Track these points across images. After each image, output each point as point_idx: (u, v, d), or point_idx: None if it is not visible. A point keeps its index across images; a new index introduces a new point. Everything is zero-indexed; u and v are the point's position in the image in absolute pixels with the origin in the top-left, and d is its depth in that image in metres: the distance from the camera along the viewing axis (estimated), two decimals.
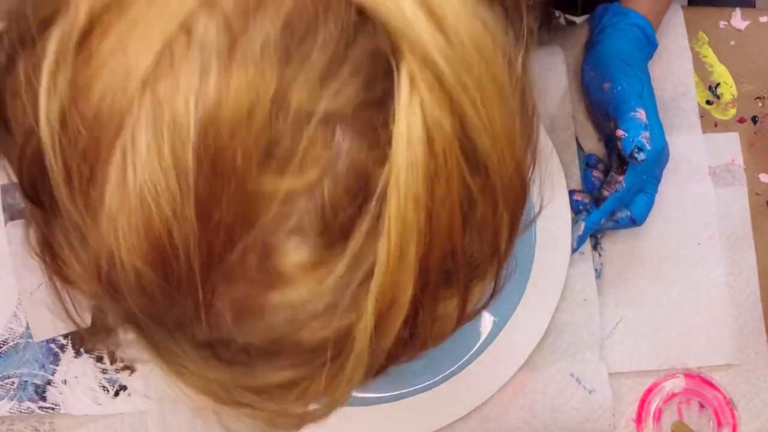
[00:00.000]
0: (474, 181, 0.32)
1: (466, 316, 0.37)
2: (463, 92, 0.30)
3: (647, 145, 0.65)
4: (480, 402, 0.65)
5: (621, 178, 0.67)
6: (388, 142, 0.31)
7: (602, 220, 0.69)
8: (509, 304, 0.67)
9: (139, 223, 0.30)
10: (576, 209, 0.71)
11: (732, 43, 0.79)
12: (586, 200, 0.71)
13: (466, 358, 0.66)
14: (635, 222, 0.69)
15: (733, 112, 0.77)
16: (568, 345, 0.68)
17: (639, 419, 0.68)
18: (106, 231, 0.31)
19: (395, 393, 0.65)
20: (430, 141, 0.30)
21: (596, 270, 0.71)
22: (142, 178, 0.30)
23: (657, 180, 0.70)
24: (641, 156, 0.65)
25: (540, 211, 0.45)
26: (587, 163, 0.74)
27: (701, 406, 0.69)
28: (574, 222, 0.69)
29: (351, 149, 0.31)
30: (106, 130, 0.30)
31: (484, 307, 0.39)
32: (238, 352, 0.35)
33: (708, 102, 0.77)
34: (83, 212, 0.32)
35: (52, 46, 0.31)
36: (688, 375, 0.68)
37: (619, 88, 0.67)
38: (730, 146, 0.76)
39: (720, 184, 0.75)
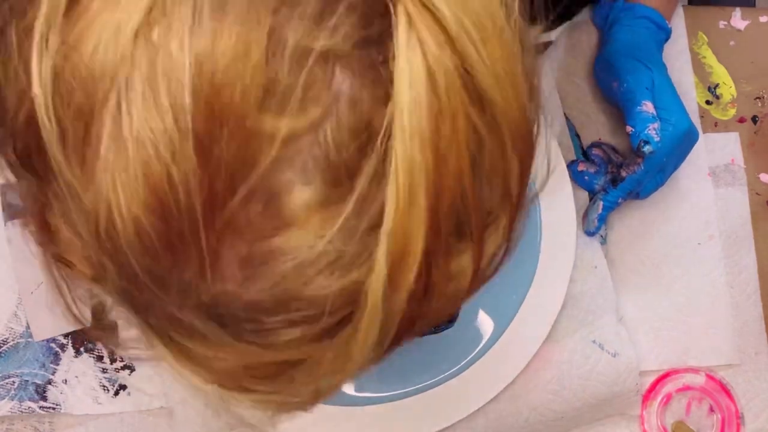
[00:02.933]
0: (480, 121, 0.32)
1: (481, 273, 0.36)
2: (463, 31, 0.30)
3: (655, 136, 0.65)
4: (508, 381, 0.65)
5: (640, 160, 0.67)
6: (390, 80, 0.30)
7: (619, 199, 0.69)
8: (524, 280, 0.67)
9: (137, 169, 0.30)
10: (580, 181, 0.71)
11: (732, 43, 0.79)
12: (591, 170, 0.71)
13: (485, 341, 0.66)
14: (638, 196, 0.70)
15: (732, 112, 0.77)
16: (586, 313, 0.68)
17: (647, 396, 0.69)
18: (103, 183, 0.30)
19: (423, 384, 0.66)
20: (431, 78, 0.30)
21: (601, 236, 0.72)
22: (138, 123, 0.29)
23: (679, 161, 0.70)
24: (648, 149, 0.65)
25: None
26: (587, 149, 0.74)
27: (711, 409, 0.69)
28: (593, 202, 0.70)
29: (352, 87, 0.31)
30: (100, 84, 0.30)
31: (500, 265, 0.38)
32: (245, 322, 0.34)
33: (708, 102, 0.77)
34: (78, 171, 0.31)
35: (42, 8, 0.31)
36: (710, 377, 0.69)
37: (626, 85, 0.67)
38: (730, 146, 0.76)
39: (720, 184, 0.75)
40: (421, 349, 0.66)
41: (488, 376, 0.65)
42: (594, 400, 0.67)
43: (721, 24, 0.79)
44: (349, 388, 0.66)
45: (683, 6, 0.79)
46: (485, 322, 0.67)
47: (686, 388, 0.69)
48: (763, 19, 0.80)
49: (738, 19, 0.80)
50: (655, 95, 0.67)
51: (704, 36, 0.79)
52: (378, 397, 0.65)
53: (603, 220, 0.70)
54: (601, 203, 0.69)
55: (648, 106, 0.66)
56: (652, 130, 0.65)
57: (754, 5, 0.82)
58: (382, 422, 0.65)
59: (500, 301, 0.67)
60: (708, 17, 0.80)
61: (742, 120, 0.77)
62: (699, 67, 0.78)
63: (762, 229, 0.74)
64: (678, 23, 0.78)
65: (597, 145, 0.74)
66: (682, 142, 0.67)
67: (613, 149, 0.74)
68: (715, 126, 0.77)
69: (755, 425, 0.69)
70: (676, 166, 0.70)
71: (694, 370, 0.69)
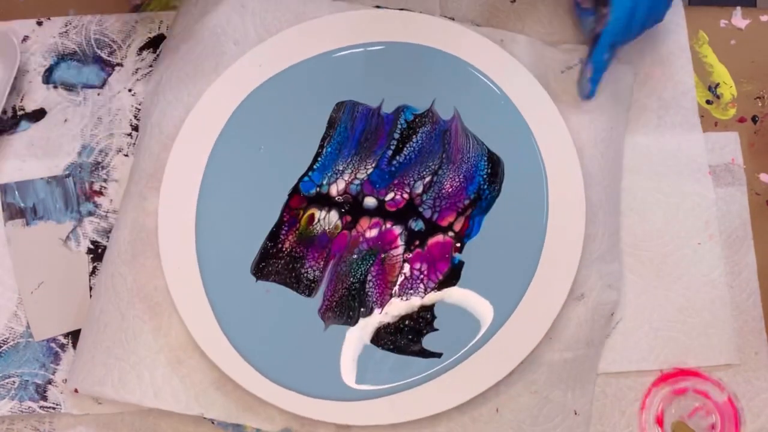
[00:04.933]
0: None
1: None
2: None
3: (582, 1, 0.67)
4: (526, 353, 0.66)
5: (606, 9, 0.67)
6: None
7: (605, 56, 0.69)
8: (527, 272, 0.68)
9: None
10: (582, 16, 0.72)
11: (732, 42, 0.79)
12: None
13: (483, 331, 0.67)
14: (625, 39, 0.70)
15: (733, 111, 0.77)
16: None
17: (647, 396, 0.69)
18: None
19: (423, 375, 0.66)
20: None
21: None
22: None
23: (655, 5, 0.69)
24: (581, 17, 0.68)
25: None
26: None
27: (711, 409, 0.69)
28: (584, 65, 0.71)
29: None
30: None
31: None
32: None
33: (708, 102, 0.77)
34: None
35: None
36: (710, 377, 0.69)
37: None
38: (730, 146, 0.76)
39: (720, 184, 0.75)
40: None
41: (487, 365, 0.66)
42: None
43: (722, 23, 0.79)
44: (349, 380, 0.66)
45: (684, 5, 0.79)
46: (485, 313, 0.67)
47: (686, 388, 0.69)
48: (763, 18, 0.80)
49: (739, 18, 0.80)
50: None
51: (705, 35, 0.79)
52: (377, 390, 0.66)
53: (596, 81, 0.71)
54: (591, 66, 0.70)
55: None
56: None
57: (755, 5, 0.82)
58: (382, 413, 0.66)
59: (501, 292, 0.68)
60: (708, 16, 0.80)
61: (742, 120, 0.77)
62: (699, 67, 0.78)
63: (762, 229, 0.74)
64: (678, 22, 0.78)
65: None
66: None
67: None
68: (716, 125, 0.77)
69: (755, 425, 0.69)
70: (652, 8, 0.69)
71: (694, 371, 0.69)
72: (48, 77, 0.78)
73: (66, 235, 0.73)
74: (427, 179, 0.71)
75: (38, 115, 0.77)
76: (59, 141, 0.76)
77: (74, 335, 0.71)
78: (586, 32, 0.73)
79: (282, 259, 0.69)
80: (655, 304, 0.71)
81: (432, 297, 0.68)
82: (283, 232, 0.70)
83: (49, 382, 0.70)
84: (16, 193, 0.74)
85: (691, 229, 0.73)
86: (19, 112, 0.77)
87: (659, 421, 0.68)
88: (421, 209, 0.70)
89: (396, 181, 0.71)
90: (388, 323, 0.68)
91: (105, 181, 0.75)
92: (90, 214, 0.74)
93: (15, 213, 0.74)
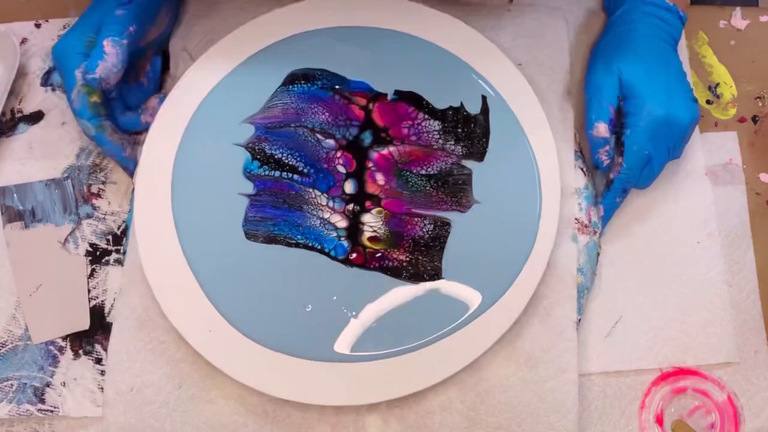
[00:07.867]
0: None
1: None
2: None
3: (604, 161, 0.69)
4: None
5: (621, 159, 0.69)
6: None
7: (617, 199, 0.71)
8: (516, 261, 0.68)
9: None
10: (598, 165, 0.72)
11: (732, 42, 0.79)
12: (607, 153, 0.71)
13: (470, 312, 0.67)
14: (638, 186, 0.72)
15: (733, 111, 0.77)
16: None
17: (646, 395, 0.69)
18: None
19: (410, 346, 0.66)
20: None
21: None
22: None
23: (668, 150, 0.70)
24: (599, 172, 0.71)
25: None
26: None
27: (710, 408, 0.69)
28: (595, 203, 0.72)
29: None
30: None
31: None
32: None
33: (708, 102, 0.77)
34: None
35: None
36: (710, 375, 0.69)
37: (587, 95, 0.70)
38: (728, 145, 0.76)
39: (719, 183, 0.74)
40: (410, 314, 0.67)
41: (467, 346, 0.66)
42: None
43: (722, 23, 0.79)
44: (344, 349, 0.66)
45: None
46: (472, 296, 0.67)
47: (685, 387, 0.69)
48: (763, 18, 0.80)
49: (738, 19, 0.80)
50: (631, 85, 0.68)
51: (704, 35, 0.79)
52: (368, 355, 0.66)
53: (607, 220, 0.72)
54: (602, 207, 0.71)
55: (599, 129, 0.69)
56: (603, 154, 0.69)
57: (756, 5, 0.82)
58: (367, 378, 0.65)
59: (489, 279, 0.68)
60: (708, 16, 0.80)
61: (742, 120, 0.77)
62: (699, 67, 0.78)
63: (762, 229, 0.73)
64: None
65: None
66: (660, 131, 0.68)
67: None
68: (716, 126, 0.77)
69: (755, 424, 0.68)
70: (671, 153, 0.70)
71: (694, 370, 0.69)
72: (46, 80, 0.78)
73: (64, 237, 0.73)
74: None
75: (36, 117, 0.77)
76: (58, 144, 0.76)
77: (72, 338, 0.71)
78: (600, 173, 0.73)
79: None
80: (654, 303, 0.71)
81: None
82: None
83: (48, 384, 0.70)
84: (15, 196, 0.74)
85: (689, 228, 0.73)
86: (18, 115, 0.77)
87: (659, 420, 0.68)
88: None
89: None
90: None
91: (103, 183, 0.75)
92: (88, 216, 0.74)
93: (14, 216, 0.74)
